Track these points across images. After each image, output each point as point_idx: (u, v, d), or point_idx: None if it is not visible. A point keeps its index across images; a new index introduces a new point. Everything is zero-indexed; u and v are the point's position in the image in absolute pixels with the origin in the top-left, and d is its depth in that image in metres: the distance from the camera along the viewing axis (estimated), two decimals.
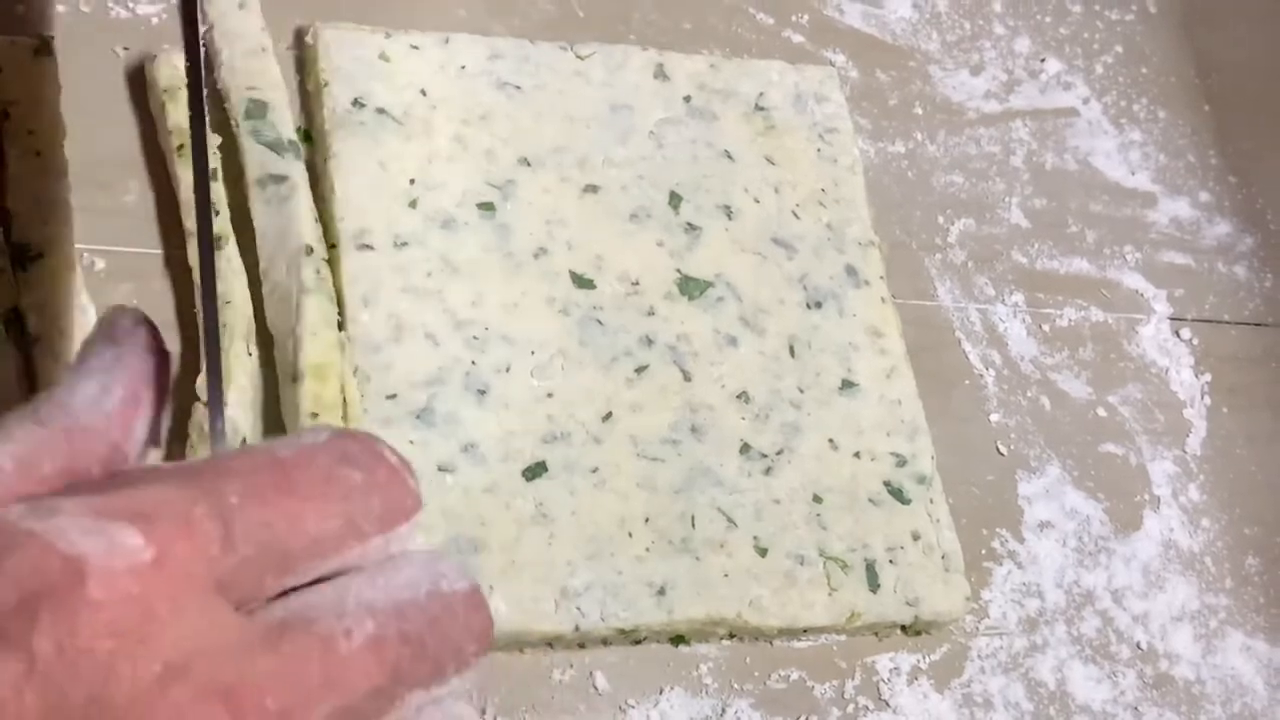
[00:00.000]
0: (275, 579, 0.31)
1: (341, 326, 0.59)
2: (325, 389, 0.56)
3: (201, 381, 0.55)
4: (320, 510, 0.32)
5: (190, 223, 0.59)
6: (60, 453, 0.32)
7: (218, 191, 0.59)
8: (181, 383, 0.56)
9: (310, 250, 0.58)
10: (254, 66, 0.62)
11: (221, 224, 0.58)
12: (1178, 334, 0.76)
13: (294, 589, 0.32)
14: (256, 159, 0.60)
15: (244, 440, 0.55)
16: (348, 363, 0.57)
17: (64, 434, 0.32)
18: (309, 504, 0.32)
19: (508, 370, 0.61)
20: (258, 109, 0.61)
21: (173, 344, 0.58)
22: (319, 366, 0.57)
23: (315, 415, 0.56)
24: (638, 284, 0.65)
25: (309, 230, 0.59)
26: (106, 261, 0.59)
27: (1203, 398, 0.74)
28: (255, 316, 0.58)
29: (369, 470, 0.33)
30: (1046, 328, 0.73)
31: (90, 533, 0.29)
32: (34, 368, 0.54)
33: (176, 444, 0.56)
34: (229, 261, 0.58)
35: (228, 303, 0.57)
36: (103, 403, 0.33)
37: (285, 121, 0.61)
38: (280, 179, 0.60)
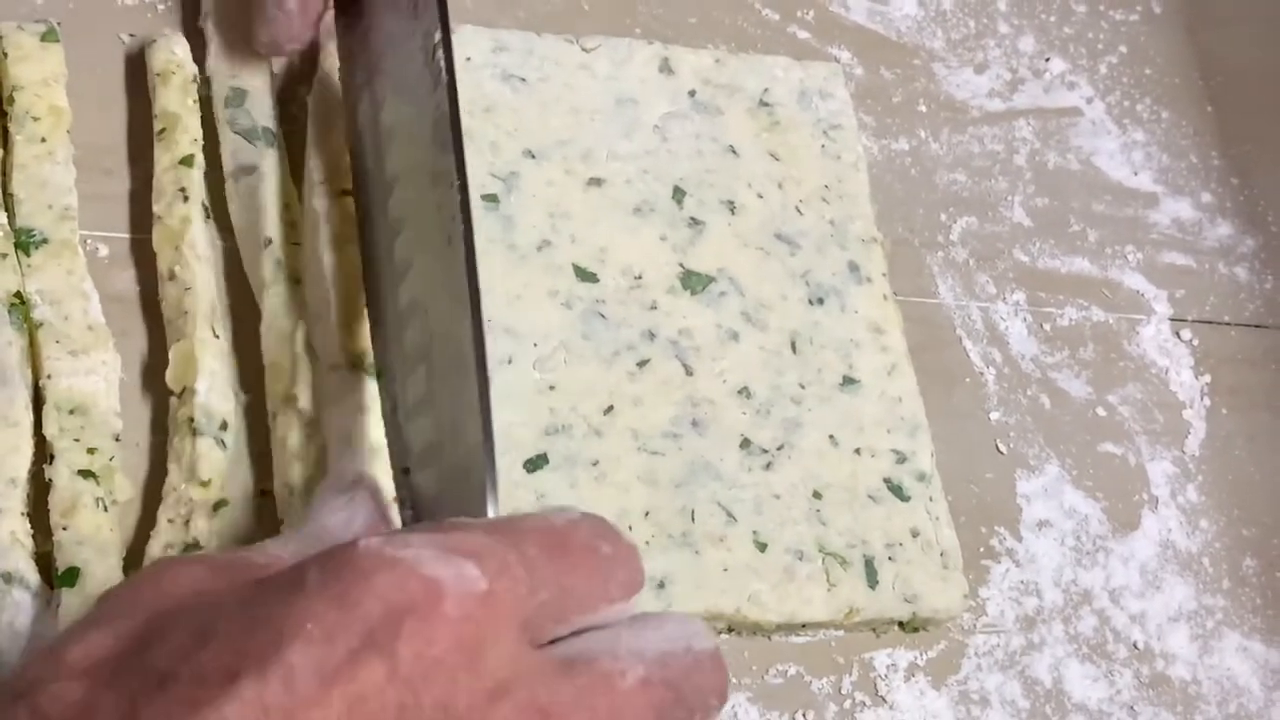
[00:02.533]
0: (556, 625, 0.37)
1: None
2: (279, 385, 0.56)
3: (170, 373, 0.55)
4: (586, 572, 0.38)
5: (159, 207, 0.59)
6: None
7: (193, 177, 0.59)
8: (158, 373, 0.57)
9: (269, 242, 0.58)
10: (238, 56, 0.62)
11: (190, 209, 0.58)
12: (1178, 335, 0.76)
13: (564, 636, 0.38)
14: (231, 149, 0.61)
15: (224, 424, 0.55)
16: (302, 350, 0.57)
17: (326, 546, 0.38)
18: (578, 565, 0.38)
19: (510, 362, 0.61)
20: (236, 97, 0.61)
21: (154, 331, 0.58)
22: (273, 365, 0.57)
23: (275, 415, 0.56)
24: (640, 278, 0.65)
25: (271, 222, 0.59)
26: (109, 247, 0.59)
27: (1202, 399, 0.74)
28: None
29: (613, 545, 0.39)
30: (1047, 327, 0.73)
31: (442, 562, 0.35)
32: (37, 352, 0.55)
33: (155, 435, 0.56)
34: (193, 247, 0.57)
35: (187, 289, 0.57)
36: (351, 527, 0.43)
37: (263, 110, 0.61)
38: (250, 170, 0.60)
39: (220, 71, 0.62)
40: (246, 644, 0.34)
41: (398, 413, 0.51)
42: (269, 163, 0.60)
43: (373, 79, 0.58)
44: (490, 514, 0.45)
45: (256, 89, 0.61)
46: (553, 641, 0.38)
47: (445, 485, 0.48)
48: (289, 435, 0.55)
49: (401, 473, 0.49)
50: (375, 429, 0.53)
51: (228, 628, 0.34)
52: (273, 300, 0.57)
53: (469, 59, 0.67)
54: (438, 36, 0.54)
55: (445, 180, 0.52)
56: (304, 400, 0.56)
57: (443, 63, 0.54)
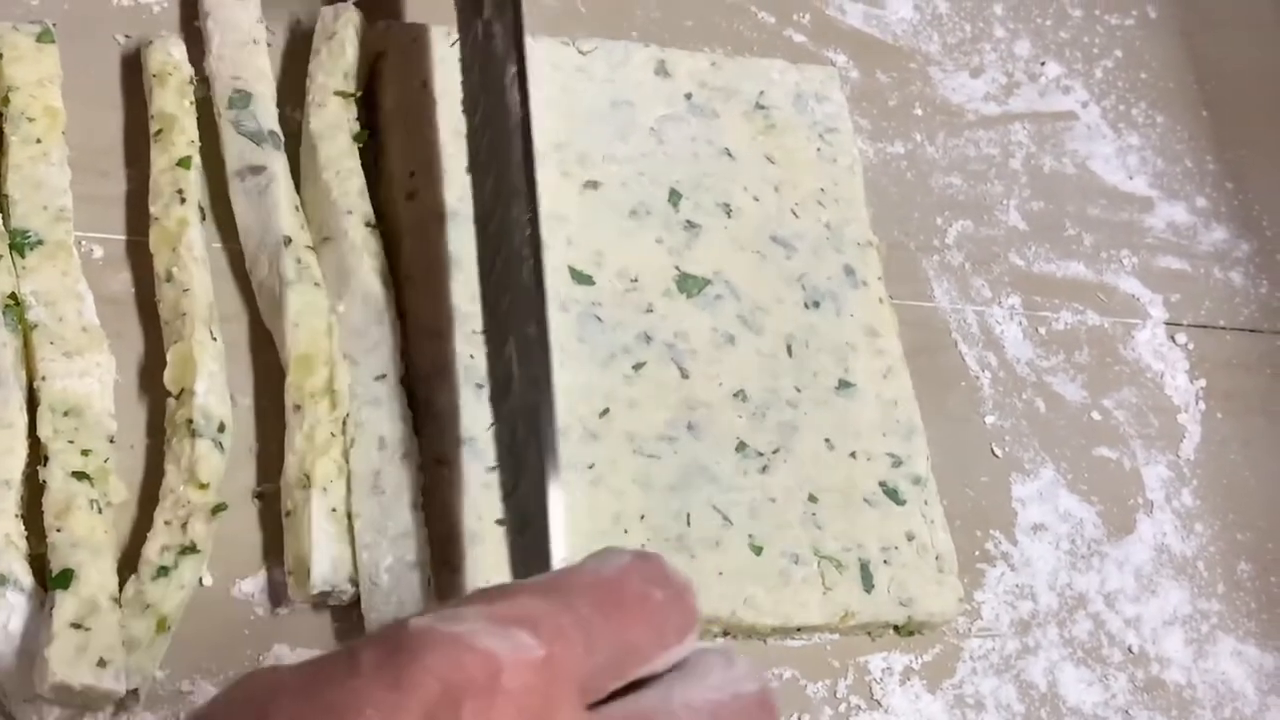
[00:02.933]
0: (612, 681, 0.37)
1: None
2: (311, 379, 0.56)
3: (168, 375, 0.56)
4: (641, 623, 0.38)
5: (156, 209, 0.59)
6: None
7: (190, 179, 0.59)
8: (153, 375, 0.57)
9: (289, 241, 0.58)
10: (242, 56, 0.62)
11: (187, 210, 0.58)
12: (1173, 339, 0.76)
13: (620, 691, 0.37)
14: (236, 150, 0.61)
15: (221, 426, 0.55)
16: (337, 349, 0.57)
17: None
18: (632, 617, 0.38)
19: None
20: (241, 99, 0.61)
21: (149, 333, 0.58)
22: (303, 358, 0.57)
23: (298, 408, 0.56)
24: (636, 281, 0.65)
25: (287, 222, 0.59)
26: (104, 249, 0.59)
27: (1197, 403, 0.74)
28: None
29: (665, 588, 0.39)
30: (1043, 330, 0.74)
31: (495, 634, 0.34)
32: (32, 354, 0.54)
33: (150, 437, 0.56)
34: (190, 249, 0.57)
35: (186, 290, 0.57)
36: None
37: (268, 113, 0.61)
38: (259, 170, 0.60)
39: (221, 72, 0.62)
40: None
41: (501, 437, 0.55)
42: (279, 164, 0.60)
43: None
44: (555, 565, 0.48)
45: (261, 92, 0.61)
46: (609, 697, 0.37)
47: (528, 518, 0.52)
48: (316, 429, 0.55)
49: (504, 498, 0.54)
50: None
51: (285, 715, 0.34)
52: (298, 298, 0.57)
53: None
54: (514, 69, 0.57)
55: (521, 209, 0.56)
56: (343, 396, 0.56)
57: (518, 96, 0.57)
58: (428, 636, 0.34)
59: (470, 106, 0.61)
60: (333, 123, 0.62)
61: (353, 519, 0.55)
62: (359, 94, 0.64)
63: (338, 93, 0.63)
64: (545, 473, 0.52)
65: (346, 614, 0.56)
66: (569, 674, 0.36)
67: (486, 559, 0.57)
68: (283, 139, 0.61)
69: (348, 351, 0.58)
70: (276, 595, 0.55)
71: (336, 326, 0.58)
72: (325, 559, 0.54)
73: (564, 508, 0.52)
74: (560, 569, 0.42)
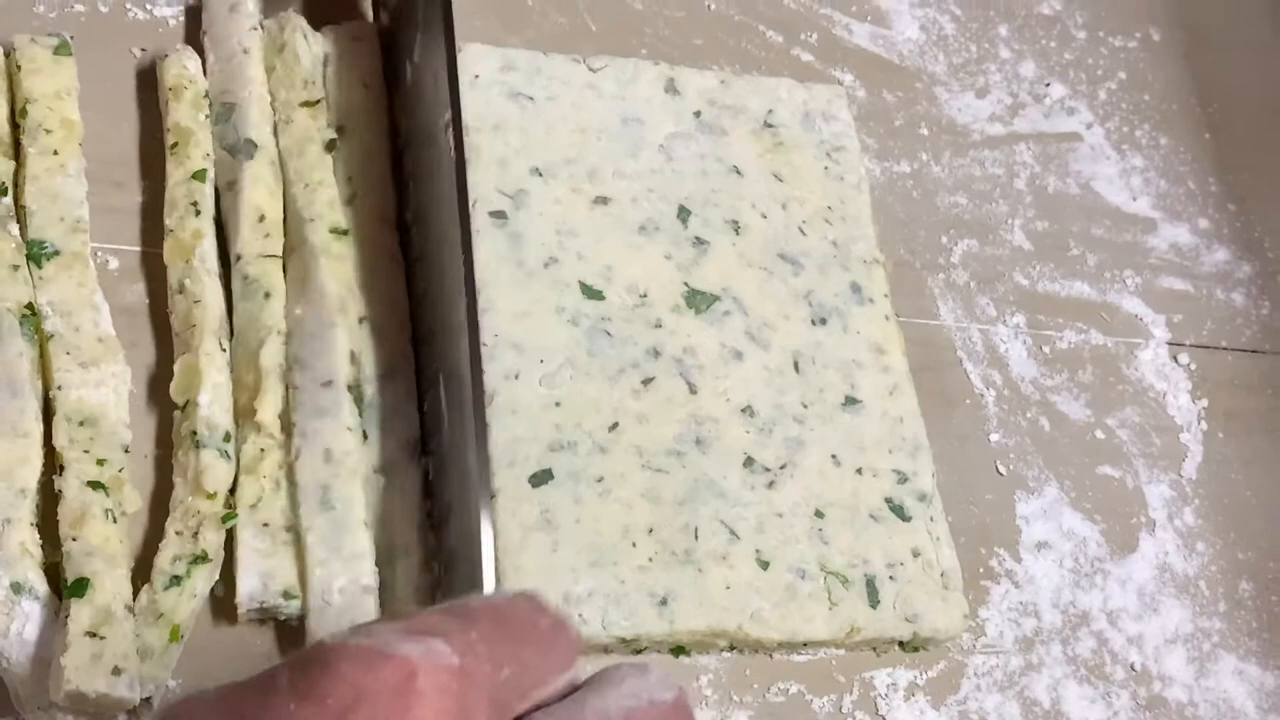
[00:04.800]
0: (519, 702, 0.37)
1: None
2: (242, 397, 0.57)
3: (174, 386, 0.56)
4: (533, 644, 0.38)
5: (171, 221, 0.59)
6: None
7: (204, 192, 0.59)
8: (167, 385, 0.57)
9: (239, 258, 0.58)
10: (231, 68, 0.62)
11: (201, 223, 0.59)
12: (1175, 359, 0.76)
13: (527, 712, 0.38)
14: (221, 163, 0.61)
15: (227, 436, 0.55)
16: (272, 364, 0.57)
17: None
18: (525, 639, 0.38)
19: (516, 377, 0.61)
20: (224, 111, 0.61)
21: (163, 344, 0.58)
22: (237, 378, 0.57)
23: (239, 426, 0.56)
24: (646, 296, 0.65)
25: (243, 236, 0.59)
26: (120, 260, 0.60)
27: (1199, 423, 0.75)
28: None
29: (549, 617, 0.39)
30: (1047, 349, 0.74)
31: (409, 642, 0.34)
32: (48, 364, 0.55)
33: (163, 448, 0.57)
34: (203, 261, 0.58)
35: (197, 301, 0.57)
36: None
37: (248, 121, 0.61)
38: (232, 184, 0.60)
39: (214, 86, 0.62)
40: None
41: (430, 470, 0.57)
42: (246, 176, 0.60)
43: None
44: (488, 590, 0.50)
45: (243, 99, 0.61)
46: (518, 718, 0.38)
47: (458, 550, 0.53)
48: (244, 448, 0.55)
49: (431, 529, 0.56)
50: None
51: None
52: (241, 315, 0.58)
53: (477, 76, 0.67)
54: (448, 116, 0.58)
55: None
56: (266, 414, 0.56)
57: (452, 142, 0.58)
58: (342, 650, 0.34)
59: (404, 143, 0.63)
60: (300, 136, 0.62)
61: (301, 533, 0.55)
62: (323, 99, 0.64)
63: (303, 104, 0.63)
64: (477, 516, 0.53)
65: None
66: (480, 685, 0.36)
67: (496, 566, 0.57)
68: (259, 147, 0.61)
69: (301, 356, 0.58)
70: None
71: (279, 339, 0.57)
72: (253, 576, 0.54)
73: (493, 550, 0.53)
74: (455, 599, 0.43)
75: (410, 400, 0.59)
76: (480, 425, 0.54)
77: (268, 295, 0.58)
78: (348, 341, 0.58)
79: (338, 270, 0.59)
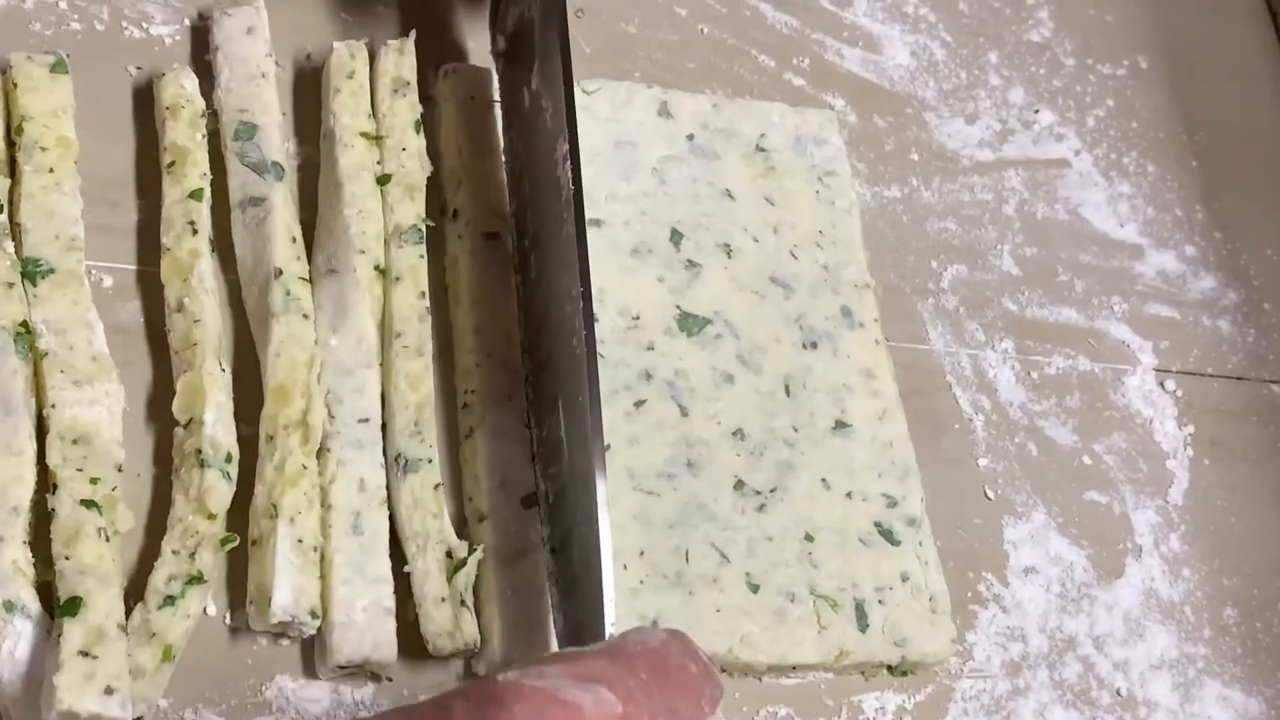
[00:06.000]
0: None
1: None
2: (286, 410, 0.57)
3: (177, 404, 0.56)
4: (684, 691, 0.40)
5: (168, 240, 0.59)
6: None
7: (201, 211, 0.60)
8: (161, 404, 0.57)
9: (279, 273, 0.59)
10: (249, 90, 0.63)
11: (199, 242, 0.59)
12: (1162, 385, 0.77)
13: None
14: (239, 181, 0.61)
15: (229, 456, 0.55)
16: (315, 381, 0.58)
17: None
18: (676, 686, 0.40)
19: (509, 399, 0.61)
20: (246, 131, 0.62)
21: (158, 362, 0.59)
22: (279, 389, 0.57)
23: (271, 438, 0.56)
24: (638, 319, 0.65)
25: (280, 253, 0.59)
26: (114, 278, 0.60)
27: (1185, 449, 0.75)
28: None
29: (697, 662, 0.41)
30: (1035, 375, 0.75)
31: (579, 689, 0.36)
32: (42, 382, 0.55)
33: (157, 466, 0.57)
34: (201, 280, 0.58)
35: (196, 320, 0.57)
36: None
37: (272, 144, 0.62)
38: (259, 201, 0.60)
39: (229, 105, 0.62)
40: None
41: (546, 496, 0.58)
42: (279, 195, 0.61)
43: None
44: (609, 634, 0.52)
45: (266, 124, 0.62)
46: None
47: (578, 575, 0.55)
48: (287, 460, 0.55)
49: (550, 553, 0.57)
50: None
51: None
52: (282, 329, 0.58)
53: (472, 98, 0.67)
54: (565, 147, 0.60)
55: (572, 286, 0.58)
56: (318, 430, 0.56)
57: (569, 174, 0.60)
58: (516, 689, 0.36)
59: (514, 171, 0.64)
60: (359, 162, 0.63)
61: (329, 553, 0.55)
62: (384, 136, 0.64)
63: (363, 134, 0.63)
64: (599, 540, 0.54)
65: None
66: None
67: (488, 588, 0.57)
68: (285, 171, 0.62)
69: (334, 388, 0.58)
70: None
71: (321, 360, 0.58)
72: (287, 589, 0.54)
73: (613, 581, 0.54)
74: (615, 638, 0.46)
75: (519, 429, 0.61)
76: (600, 456, 0.56)
77: (305, 316, 0.59)
78: (378, 383, 0.59)
79: (376, 310, 0.60)
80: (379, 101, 0.65)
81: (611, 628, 0.52)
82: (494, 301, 0.63)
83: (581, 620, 0.53)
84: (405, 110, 0.64)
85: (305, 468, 0.56)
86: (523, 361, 0.61)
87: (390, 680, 0.56)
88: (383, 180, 0.63)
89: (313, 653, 0.56)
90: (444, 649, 0.55)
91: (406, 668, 0.56)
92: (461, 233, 0.64)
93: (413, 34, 0.66)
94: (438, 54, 0.68)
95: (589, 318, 0.57)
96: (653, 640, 0.41)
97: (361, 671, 0.55)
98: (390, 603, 0.55)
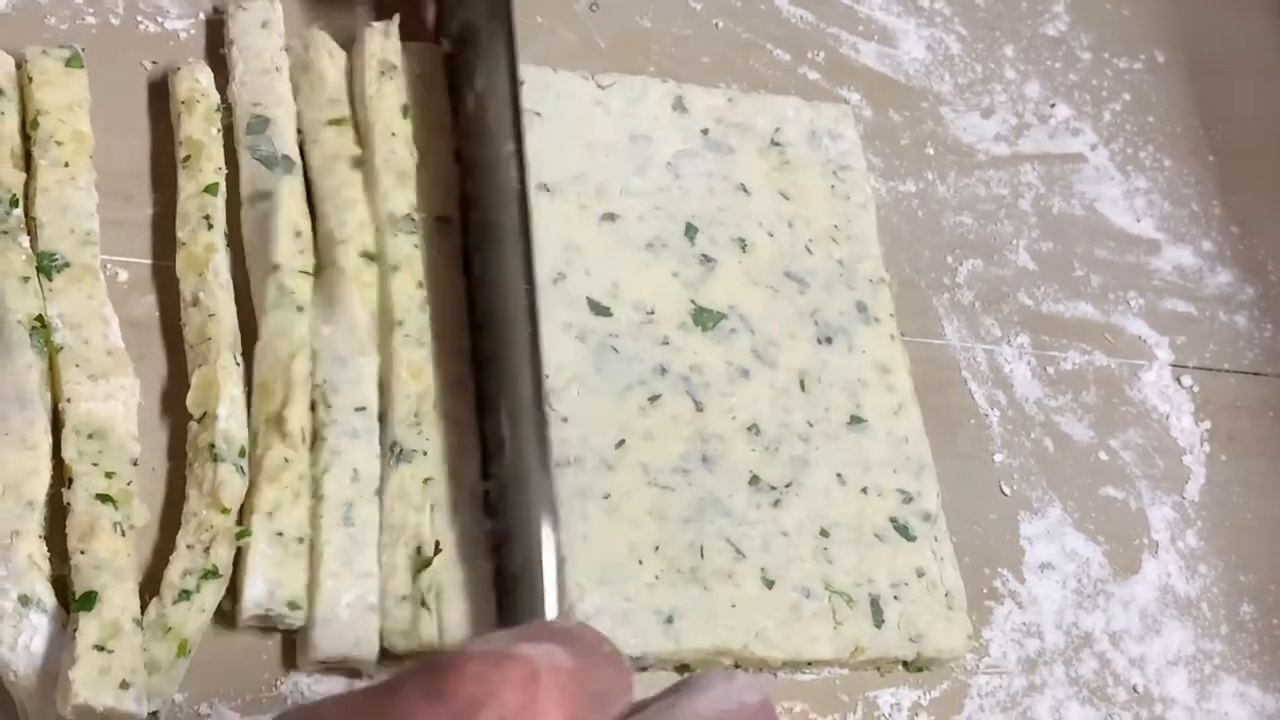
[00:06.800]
0: (605, 716, 0.38)
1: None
2: (269, 405, 0.56)
3: (191, 398, 0.56)
4: (606, 667, 0.39)
5: (183, 234, 0.59)
6: None
7: (216, 205, 0.60)
8: (176, 398, 0.57)
9: (276, 267, 0.59)
10: (263, 83, 0.63)
11: (214, 236, 0.59)
12: (1179, 381, 0.77)
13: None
14: (250, 174, 0.61)
15: (242, 451, 0.55)
16: (302, 375, 0.58)
17: None
18: (600, 661, 0.39)
19: (460, 386, 0.61)
20: (259, 124, 0.62)
21: (172, 357, 0.59)
22: (263, 384, 0.57)
23: (256, 434, 0.56)
24: (653, 313, 0.65)
25: (281, 247, 0.59)
26: (129, 272, 0.60)
27: (1202, 445, 0.75)
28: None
29: (607, 643, 0.40)
30: (1051, 370, 0.74)
31: (528, 645, 0.36)
32: (57, 376, 0.55)
33: (172, 461, 0.57)
34: (216, 275, 0.58)
35: (211, 315, 0.57)
36: None
37: (284, 138, 0.62)
38: (267, 195, 0.60)
39: (243, 99, 0.62)
40: None
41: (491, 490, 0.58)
42: (285, 190, 0.60)
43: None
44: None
45: (279, 117, 0.62)
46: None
47: (519, 574, 0.55)
48: (266, 456, 0.55)
49: (492, 548, 0.57)
50: None
51: None
52: (271, 324, 0.58)
53: (420, 76, 0.67)
54: (511, 146, 0.61)
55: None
56: (294, 425, 0.56)
57: (515, 176, 0.61)
58: (468, 653, 0.36)
59: (464, 169, 0.64)
60: (330, 154, 0.62)
61: (319, 544, 0.55)
62: (350, 117, 0.64)
63: (329, 122, 0.63)
64: (539, 540, 0.55)
65: None
66: (590, 691, 0.37)
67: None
68: (295, 164, 0.62)
69: (330, 378, 0.58)
70: None
71: (310, 353, 0.58)
72: (260, 583, 0.54)
73: (555, 572, 0.54)
74: (535, 620, 0.45)
75: (470, 418, 0.60)
76: (544, 452, 0.56)
77: (300, 309, 0.58)
78: (376, 371, 0.59)
79: (368, 297, 0.60)
80: (366, 84, 0.64)
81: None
82: (445, 287, 0.62)
83: (523, 619, 0.54)
84: (392, 93, 0.64)
85: (287, 461, 0.55)
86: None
87: (371, 678, 0.56)
88: (357, 162, 0.62)
89: None
90: (397, 647, 0.55)
91: (388, 667, 0.56)
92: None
93: (396, 17, 0.65)
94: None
95: (534, 316, 0.58)
96: (568, 624, 0.41)
97: (341, 668, 0.55)
98: (375, 598, 0.55)
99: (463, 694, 0.34)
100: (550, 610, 0.53)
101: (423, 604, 0.55)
